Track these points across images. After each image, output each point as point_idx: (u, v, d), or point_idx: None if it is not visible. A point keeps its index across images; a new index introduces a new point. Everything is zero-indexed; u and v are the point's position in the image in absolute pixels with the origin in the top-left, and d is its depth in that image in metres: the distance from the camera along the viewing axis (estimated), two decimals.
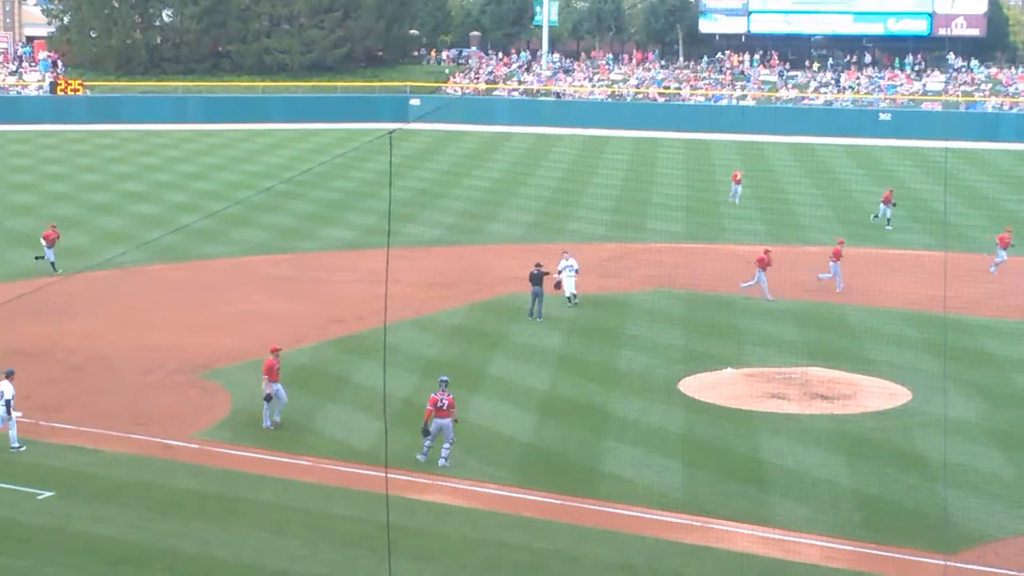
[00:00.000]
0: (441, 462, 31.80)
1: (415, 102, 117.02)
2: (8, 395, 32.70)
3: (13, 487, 30.43)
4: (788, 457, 32.88)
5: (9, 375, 33.17)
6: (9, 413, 32.77)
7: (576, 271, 49.22)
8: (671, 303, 50.59)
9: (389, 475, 28.62)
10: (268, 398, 34.69)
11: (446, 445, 31.85)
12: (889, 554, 27.07)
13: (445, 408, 31.76)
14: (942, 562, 26.16)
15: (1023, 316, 48.73)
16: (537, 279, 47.47)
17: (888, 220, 67.30)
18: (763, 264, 50.86)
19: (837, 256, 52.97)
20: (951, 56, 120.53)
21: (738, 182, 75.81)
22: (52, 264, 53.66)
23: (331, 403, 37.20)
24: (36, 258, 54.58)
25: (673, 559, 26.77)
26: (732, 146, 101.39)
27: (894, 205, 67.84)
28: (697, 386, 39.41)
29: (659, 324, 47.01)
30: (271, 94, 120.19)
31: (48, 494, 30.00)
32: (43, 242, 54.30)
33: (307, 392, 38.22)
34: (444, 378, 32.67)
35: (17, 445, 32.92)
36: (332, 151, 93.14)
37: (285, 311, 48.64)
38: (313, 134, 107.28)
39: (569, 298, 48.85)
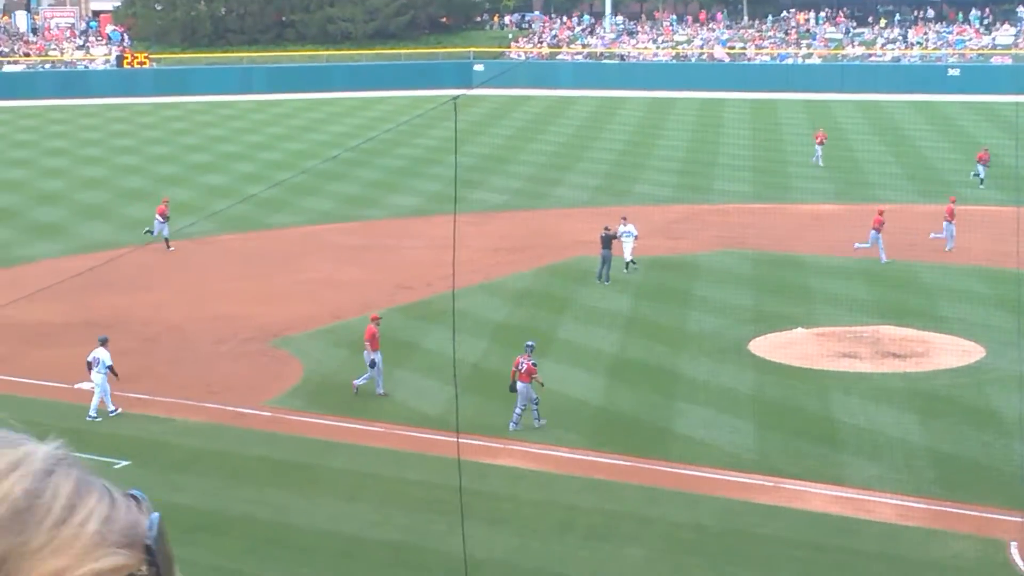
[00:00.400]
0: (511, 426, 31.90)
1: (479, 68, 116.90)
2: (108, 361, 33.18)
3: (90, 456, 30.48)
4: (860, 416, 32.73)
5: (104, 342, 33.65)
6: (115, 375, 33.27)
7: (635, 237, 48.84)
8: (739, 264, 50.35)
9: (461, 440, 28.71)
10: (372, 364, 34.80)
11: (516, 410, 31.93)
12: (964, 512, 26.90)
13: (523, 372, 31.86)
14: (1019, 519, 25.97)
15: None
16: (606, 242, 47.37)
17: (981, 180, 65.23)
18: (878, 226, 49.66)
19: (951, 215, 52.01)
20: (1020, 9, 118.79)
21: (821, 143, 74.13)
22: (166, 240, 53.62)
23: (401, 369, 37.35)
24: (146, 232, 54.14)
25: (746, 519, 26.74)
26: (798, 105, 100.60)
27: (988, 165, 66.11)
28: (767, 346, 39.26)
29: (728, 285, 46.81)
30: (335, 63, 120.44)
31: (125, 463, 30.35)
32: (157, 217, 54.21)
33: None
34: (528, 344, 32.95)
35: (95, 415, 33.35)
36: (397, 118, 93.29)
37: (354, 279, 48.86)
38: (378, 102, 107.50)
39: (627, 264, 48.54)
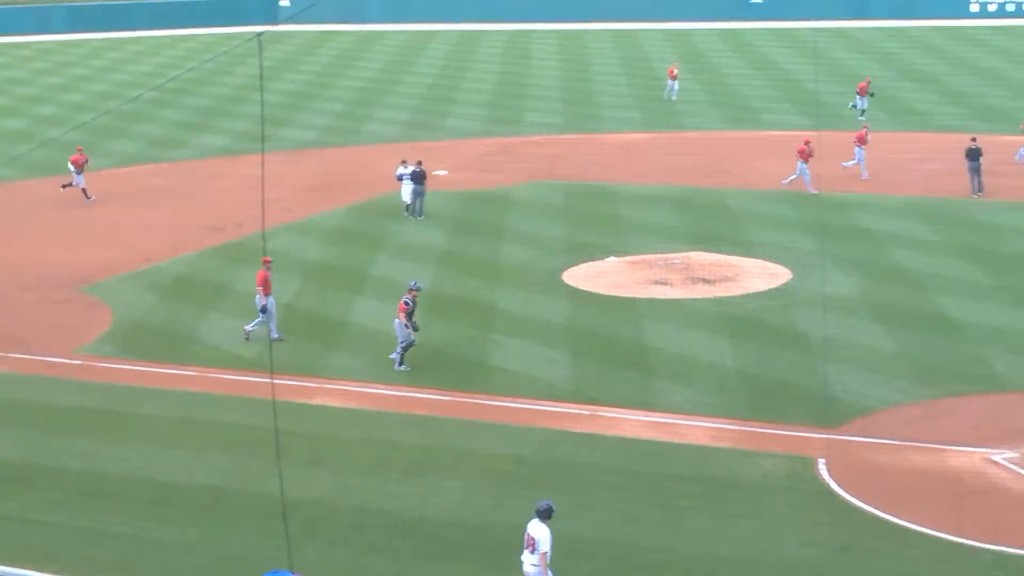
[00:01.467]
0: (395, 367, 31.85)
1: (285, 3, 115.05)
2: None
3: None
4: (673, 342, 33.24)
5: None
6: None
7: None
8: (551, 195, 50.65)
9: (276, 381, 28.54)
10: (264, 310, 33.94)
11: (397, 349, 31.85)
12: (774, 431, 27.56)
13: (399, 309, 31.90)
14: (826, 436, 26.70)
15: (897, 192, 49.42)
16: (418, 177, 47.21)
17: (862, 111, 64.13)
18: (804, 156, 48.75)
19: (861, 141, 51.59)
20: None
21: (674, 78, 72.75)
22: (84, 191, 51.44)
23: (214, 312, 36.91)
24: (63, 187, 51.43)
25: (563, 448, 27.03)
26: (606, 35, 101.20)
27: (871, 95, 65.45)
28: (581, 276, 39.62)
29: (540, 217, 47.10)
30: (136, 0, 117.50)
31: None
32: (71, 167, 51.50)
33: (189, 302, 37.90)
34: (412, 282, 32.88)
35: None
36: (201, 57, 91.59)
37: (163, 221, 48.01)
38: (181, 40, 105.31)
39: (408, 207, 47.78)
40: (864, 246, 41.63)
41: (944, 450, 26.27)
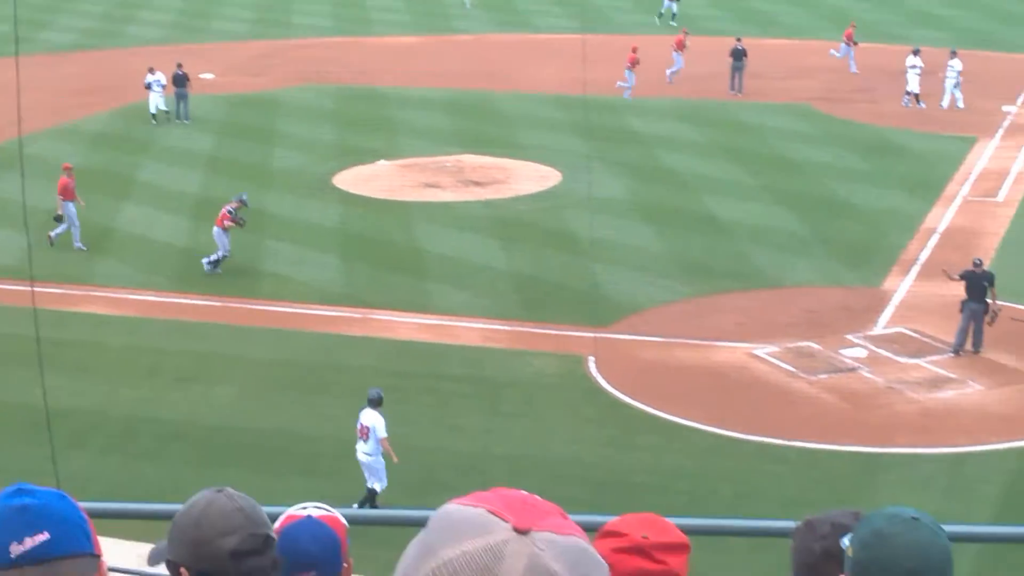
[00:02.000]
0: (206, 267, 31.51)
1: None
2: None
3: None
4: (445, 245, 33.34)
5: None
6: None
7: (163, 86, 46.79)
8: (321, 99, 50.11)
9: (40, 289, 27.79)
10: (59, 218, 32.92)
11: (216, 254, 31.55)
12: (545, 331, 27.91)
13: (218, 217, 31.48)
14: (594, 334, 27.14)
15: (664, 94, 50.13)
16: (180, 80, 46.14)
17: (672, 15, 64.01)
18: (633, 63, 48.81)
19: (680, 46, 51.87)
20: None
21: None
22: None
23: None
24: None
25: (337, 353, 26.97)
26: None
27: (679, 1, 65.47)
28: (351, 180, 39.40)
29: (310, 121, 46.59)
30: None
31: None
32: None
33: None
34: (239, 195, 32.76)
35: None
36: None
37: None
38: None
39: (154, 115, 46.47)
40: (632, 148, 42.24)
41: (709, 346, 26.99)
